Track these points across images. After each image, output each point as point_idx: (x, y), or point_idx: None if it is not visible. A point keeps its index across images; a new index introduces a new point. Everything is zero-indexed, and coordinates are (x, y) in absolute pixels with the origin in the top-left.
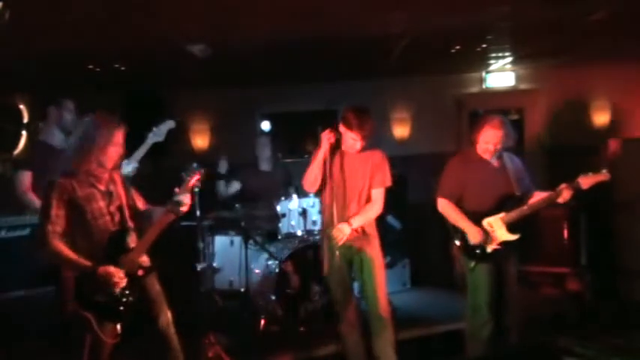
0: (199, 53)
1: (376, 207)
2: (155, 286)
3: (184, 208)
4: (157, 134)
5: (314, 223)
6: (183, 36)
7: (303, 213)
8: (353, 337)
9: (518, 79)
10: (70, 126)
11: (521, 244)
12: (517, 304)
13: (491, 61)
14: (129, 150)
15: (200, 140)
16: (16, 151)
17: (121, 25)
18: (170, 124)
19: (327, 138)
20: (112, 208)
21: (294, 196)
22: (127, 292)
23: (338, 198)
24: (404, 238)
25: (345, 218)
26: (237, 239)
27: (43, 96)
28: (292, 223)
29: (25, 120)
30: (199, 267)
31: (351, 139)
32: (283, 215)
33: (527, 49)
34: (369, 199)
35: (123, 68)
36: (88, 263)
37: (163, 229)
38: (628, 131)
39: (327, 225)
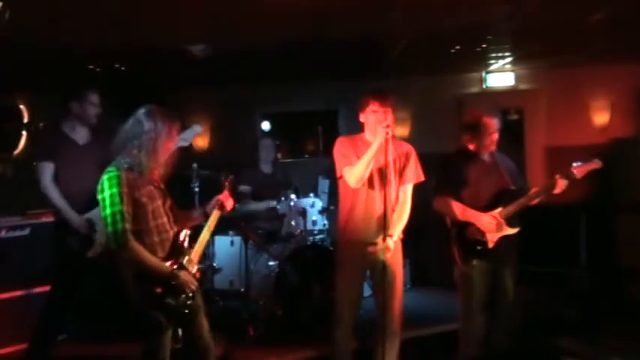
0: (199, 53)
1: (408, 208)
2: (199, 294)
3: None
4: (184, 139)
5: (314, 223)
6: (183, 36)
7: (303, 213)
8: (346, 346)
9: (518, 79)
10: (94, 120)
11: (521, 243)
12: (512, 305)
13: (492, 61)
14: None
15: (200, 140)
16: (17, 151)
17: (121, 25)
18: (197, 129)
19: (384, 128)
20: (167, 208)
21: (294, 196)
22: (191, 295)
23: (373, 201)
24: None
25: (381, 224)
26: (237, 239)
27: (43, 96)
28: (292, 223)
29: (25, 120)
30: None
31: (382, 115)
32: (283, 215)
33: (527, 49)
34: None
35: (123, 68)
36: (168, 268)
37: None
38: (628, 131)
39: (358, 231)
